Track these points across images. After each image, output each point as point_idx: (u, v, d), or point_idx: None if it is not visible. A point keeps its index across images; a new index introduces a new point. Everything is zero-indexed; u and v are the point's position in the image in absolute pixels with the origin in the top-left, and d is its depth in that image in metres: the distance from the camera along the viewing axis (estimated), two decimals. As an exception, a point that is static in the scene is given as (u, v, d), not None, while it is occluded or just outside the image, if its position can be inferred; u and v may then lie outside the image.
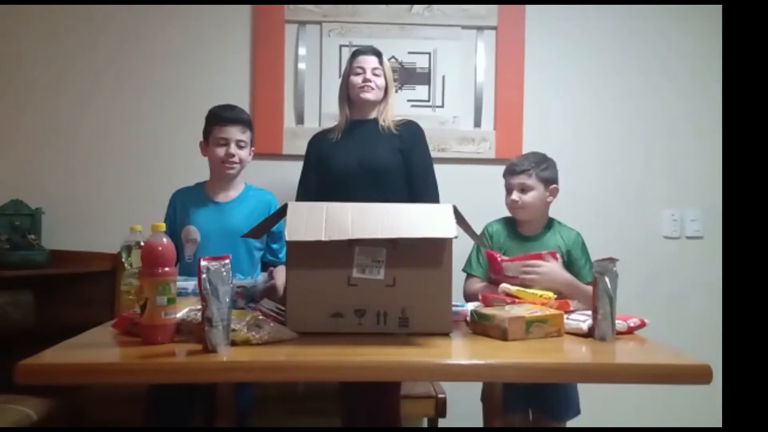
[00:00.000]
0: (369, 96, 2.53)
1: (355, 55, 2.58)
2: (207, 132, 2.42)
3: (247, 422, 2.34)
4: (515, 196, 2.34)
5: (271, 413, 2.51)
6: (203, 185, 2.47)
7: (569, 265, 2.29)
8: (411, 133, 2.58)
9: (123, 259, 1.86)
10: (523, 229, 2.40)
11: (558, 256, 2.24)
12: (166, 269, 1.55)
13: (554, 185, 2.37)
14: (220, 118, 2.38)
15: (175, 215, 2.43)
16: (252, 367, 1.43)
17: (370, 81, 2.52)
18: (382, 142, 2.50)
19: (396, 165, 2.52)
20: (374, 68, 2.54)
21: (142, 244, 1.64)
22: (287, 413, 2.53)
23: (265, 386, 2.49)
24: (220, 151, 2.36)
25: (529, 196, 2.32)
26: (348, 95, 2.58)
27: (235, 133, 2.36)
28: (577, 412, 2.38)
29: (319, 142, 2.62)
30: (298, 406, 2.54)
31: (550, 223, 2.41)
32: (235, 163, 2.37)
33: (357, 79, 2.53)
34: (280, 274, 2.21)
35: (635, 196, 3.21)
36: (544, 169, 2.35)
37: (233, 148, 2.35)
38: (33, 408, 2.32)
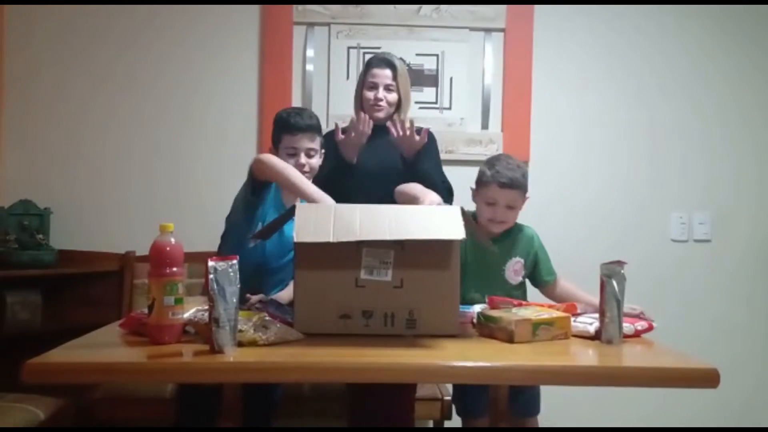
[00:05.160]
0: (379, 115, 2.48)
1: (369, 66, 2.51)
2: (276, 139, 2.27)
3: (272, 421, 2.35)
4: (502, 214, 2.15)
5: (276, 414, 2.50)
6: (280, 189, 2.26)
7: (532, 266, 2.25)
8: (428, 142, 2.54)
9: None
10: (481, 236, 2.08)
11: (521, 266, 2.22)
12: (174, 269, 1.56)
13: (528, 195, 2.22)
14: (288, 125, 2.22)
15: (264, 209, 2.21)
16: (258, 367, 1.43)
17: (381, 100, 2.47)
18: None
19: None
20: (387, 84, 2.47)
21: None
22: (292, 414, 2.53)
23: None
24: (290, 162, 2.17)
25: (514, 214, 2.18)
26: (362, 104, 2.53)
27: (305, 141, 2.21)
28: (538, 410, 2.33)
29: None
30: (303, 407, 2.54)
31: (518, 227, 2.27)
32: (306, 173, 2.18)
33: (369, 95, 2.48)
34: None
35: (643, 198, 3.20)
36: (525, 186, 2.19)
37: (303, 158, 2.20)
38: (40, 407, 2.32)
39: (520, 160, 2.26)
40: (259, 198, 2.16)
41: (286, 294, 2.22)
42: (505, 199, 2.14)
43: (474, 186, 2.24)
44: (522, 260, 2.23)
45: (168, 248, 1.57)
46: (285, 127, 2.24)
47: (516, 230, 2.26)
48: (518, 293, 2.20)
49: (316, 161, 2.26)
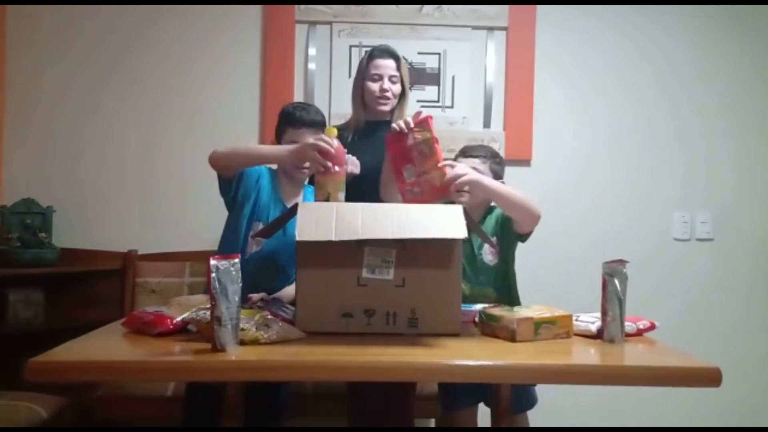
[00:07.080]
0: (385, 108, 2.42)
1: (372, 57, 2.44)
2: (280, 132, 2.27)
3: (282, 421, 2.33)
4: None
5: (285, 415, 2.50)
6: (275, 175, 2.29)
7: (500, 229, 2.22)
8: None
9: None
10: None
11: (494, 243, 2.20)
12: (342, 169, 1.87)
13: (502, 181, 2.25)
14: (293, 119, 2.23)
15: (259, 194, 2.23)
16: (260, 366, 1.43)
17: (387, 91, 2.39)
18: None
19: None
20: (392, 75, 2.41)
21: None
22: (294, 414, 2.53)
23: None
24: None
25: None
26: (362, 96, 2.46)
27: (308, 137, 2.12)
28: (534, 401, 2.29)
29: None
30: (305, 406, 2.54)
31: (489, 209, 2.28)
32: (307, 168, 2.20)
33: (374, 87, 2.40)
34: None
35: (645, 197, 3.20)
36: (497, 162, 2.26)
37: None
38: (43, 406, 2.33)
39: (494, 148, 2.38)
40: (230, 195, 2.20)
41: (289, 291, 2.23)
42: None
43: None
44: (493, 239, 2.20)
45: (339, 150, 1.86)
46: (289, 120, 2.25)
47: (486, 212, 2.27)
48: (500, 274, 2.21)
49: None
